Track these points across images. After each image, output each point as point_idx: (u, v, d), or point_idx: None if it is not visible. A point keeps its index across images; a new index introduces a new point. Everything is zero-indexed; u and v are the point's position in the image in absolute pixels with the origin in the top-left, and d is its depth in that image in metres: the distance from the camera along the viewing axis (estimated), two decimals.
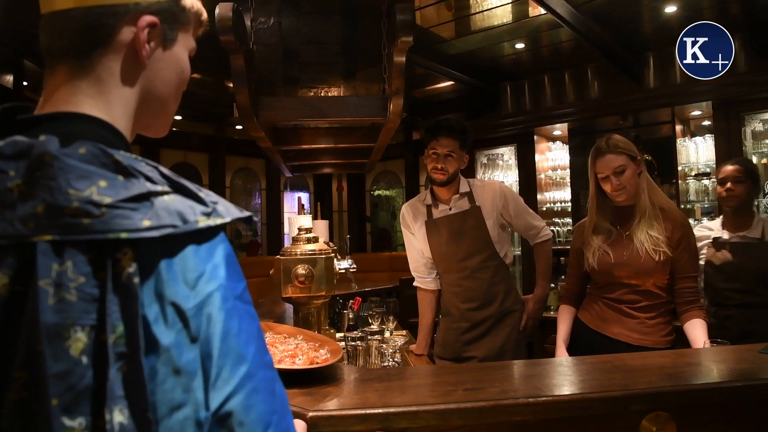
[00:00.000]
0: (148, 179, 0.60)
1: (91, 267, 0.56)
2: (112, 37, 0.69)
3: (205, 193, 0.63)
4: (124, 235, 0.56)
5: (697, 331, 2.09)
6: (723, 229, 2.73)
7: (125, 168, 0.60)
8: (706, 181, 4.34)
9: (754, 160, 4.10)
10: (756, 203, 2.83)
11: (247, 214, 0.65)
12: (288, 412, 0.66)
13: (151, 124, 0.79)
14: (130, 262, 0.56)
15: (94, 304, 0.55)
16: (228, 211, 0.63)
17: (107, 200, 0.56)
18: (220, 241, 0.63)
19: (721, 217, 2.78)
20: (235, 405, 0.59)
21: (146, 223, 0.57)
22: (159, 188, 0.60)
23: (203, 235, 0.61)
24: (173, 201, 0.60)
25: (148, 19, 0.70)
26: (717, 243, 2.66)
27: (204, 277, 0.60)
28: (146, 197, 0.58)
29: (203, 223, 0.60)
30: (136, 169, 0.60)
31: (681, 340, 2.18)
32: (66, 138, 0.60)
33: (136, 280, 0.56)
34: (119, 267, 0.56)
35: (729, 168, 2.74)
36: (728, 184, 2.68)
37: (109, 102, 0.70)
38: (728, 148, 4.11)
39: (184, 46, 0.78)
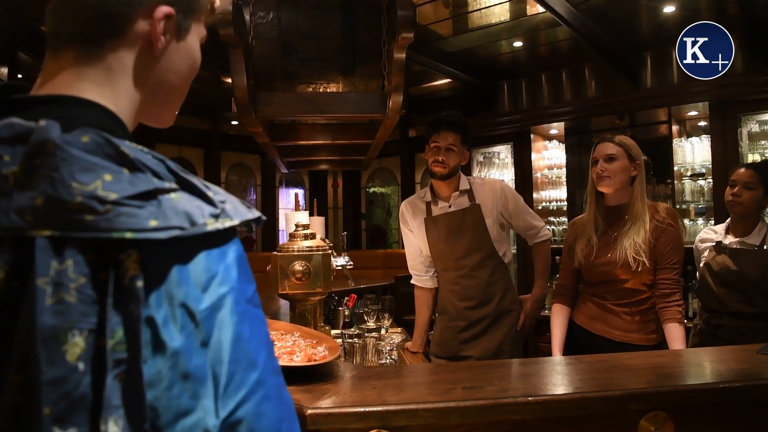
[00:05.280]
0: (155, 174, 0.56)
1: (91, 268, 0.52)
2: (126, 27, 0.65)
3: (214, 192, 0.60)
4: (129, 235, 0.52)
5: (673, 336, 2.11)
6: (727, 233, 2.64)
7: (131, 161, 0.55)
8: (701, 182, 4.35)
9: (749, 160, 4.11)
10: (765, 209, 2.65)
11: (256, 214, 0.62)
12: (295, 419, 0.64)
13: (158, 115, 0.76)
14: (134, 265, 0.53)
15: (94, 306, 0.52)
16: (236, 212, 0.60)
17: (112, 196, 0.52)
18: (233, 242, 0.60)
19: (728, 220, 2.68)
20: (246, 412, 0.56)
21: (153, 223, 0.53)
22: (166, 185, 0.56)
23: (214, 238, 0.58)
24: (181, 200, 0.56)
25: (165, 9, 0.66)
26: (718, 247, 2.59)
27: (216, 279, 0.57)
28: (153, 195, 0.55)
29: (212, 226, 0.57)
30: (143, 163, 0.56)
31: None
32: (67, 123, 0.56)
33: (140, 283, 0.53)
34: (122, 269, 0.52)
35: (742, 171, 2.57)
36: (736, 189, 2.54)
37: (117, 92, 0.66)
38: (724, 148, 4.13)
39: (196, 35, 0.75)
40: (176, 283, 0.55)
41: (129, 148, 0.57)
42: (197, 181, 0.59)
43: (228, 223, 0.58)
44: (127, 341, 0.52)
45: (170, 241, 0.54)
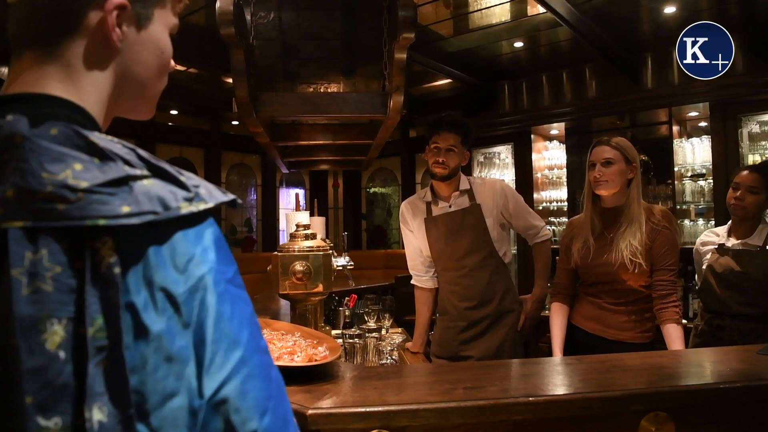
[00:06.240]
0: (126, 162, 0.56)
1: (67, 256, 0.52)
2: (79, 22, 0.64)
3: (186, 177, 0.60)
4: (102, 222, 0.52)
5: (672, 337, 2.12)
6: (729, 235, 2.62)
7: (101, 150, 0.56)
8: (702, 182, 4.35)
9: (749, 161, 4.11)
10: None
11: (230, 197, 0.62)
12: (284, 398, 0.63)
13: (132, 108, 0.75)
14: (110, 252, 0.53)
15: (71, 295, 0.52)
16: (210, 195, 0.60)
17: (83, 184, 0.53)
18: (208, 224, 0.60)
19: (729, 222, 2.66)
20: (230, 391, 0.56)
21: (125, 209, 0.53)
22: (137, 172, 0.56)
23: (189, 221, 0.58)
24: (153, 186, 0.56)
25: (115, 1, 0.65)
26: (721, 249, 2.59)
27: (194, 261, 0.57)
28: (125, 181, 0.55)
29: (186, 209, 0.57)
30: (113, 152, 0.56)
31: (661, 338, 2.19)
32: (35, 119, 0.56)
33: (117, 270, 0.53)
34: (98, 257, 0.53)
35: (745, 174, 2.52)
36: (739, 192, 2.50)
37: (80, 87, 0.66)
38: (725, 149, 4.13)
39: (162, 25, 0.72)
40: (154, 268, 0.55)
41: (98, 138, 0.57)
42: (170, 168, 0.59)
43: (202, 206, 0.58)
44: (108, 328, 0.52)
45: (145, 226, 0.55)
